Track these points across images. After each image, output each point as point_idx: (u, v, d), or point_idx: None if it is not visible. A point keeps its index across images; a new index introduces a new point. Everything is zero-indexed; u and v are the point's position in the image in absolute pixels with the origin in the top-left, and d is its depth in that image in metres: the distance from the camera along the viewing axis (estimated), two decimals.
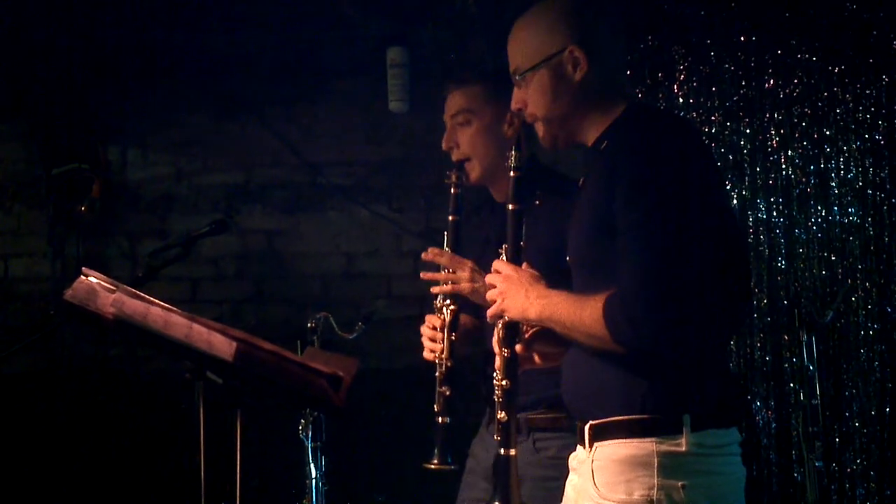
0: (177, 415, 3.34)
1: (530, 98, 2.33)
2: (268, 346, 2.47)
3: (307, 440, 3.48)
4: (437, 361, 2.88)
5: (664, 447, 2.08)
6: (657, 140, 2.14)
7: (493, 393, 2.36)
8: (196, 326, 2.40)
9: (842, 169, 4.50)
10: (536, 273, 2.29)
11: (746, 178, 4.54)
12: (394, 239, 4.94)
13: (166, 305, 2.42)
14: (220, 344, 2.39)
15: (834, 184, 4.50)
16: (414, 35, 4.88)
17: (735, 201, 4.52)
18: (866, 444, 4.39)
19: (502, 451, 2.32)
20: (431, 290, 2.93)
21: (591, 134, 2.31)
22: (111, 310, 2.31)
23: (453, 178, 2.98)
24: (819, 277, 4.47)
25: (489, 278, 2.35)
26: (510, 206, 2.36)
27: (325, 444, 3.51)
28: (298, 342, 3.48)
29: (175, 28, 4.87)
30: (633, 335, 2.04)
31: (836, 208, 4.49)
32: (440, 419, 2.84)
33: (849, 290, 4.41)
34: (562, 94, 2.29)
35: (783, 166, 4.52)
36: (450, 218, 2.98)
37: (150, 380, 4.70)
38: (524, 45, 2.33)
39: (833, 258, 4.47)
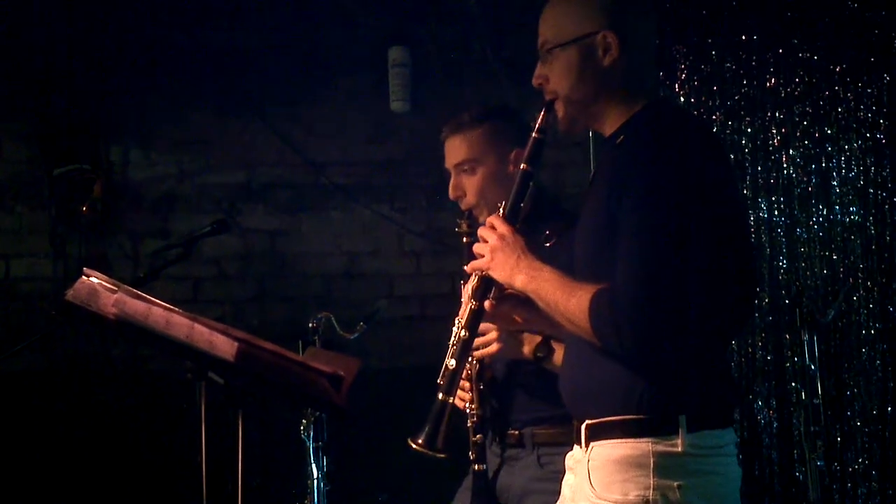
0: (178, 415, 3.35)
1: (554, 75, 2.27)
2: (269, 346, 2.47)
3: (308, 440, 3.48)
4: (467, 412, 2.84)
5: (660, 447, 2.07)
6: (671, 143, 2.10)
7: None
8: (197, 326, 2.40)
9: (843, 168, 4.50)
10: (527, 242, 2.27)
11: (748, 178, 4.54)
12: (396, 239, 4.94)
13: (168, 305, 2.42)
14: (222, 344, 2.39)
15: (835, 183, 4.50)
16: (416, 34, 4.89)
17: None
18: (868, 443, 4.39)
19: (441, 395, 2.32)
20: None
21: (609, 125, 2.27)
22: (112, 310, 2.31)
23: (464, 226, 2.91)
24: (820, 276, 4.47)
25: (482, 231, 2.32)
26: (522, 166, 2.33)
27: (326, 444, 3.50)
28: (300, 342, 3.48)
29: (177, 27, 4.87)
30: (615, 340, 2.03)
31: (837, 207, 4.49)
32: (476, 466, 2.83)
33: (850, 289, 4.42)
34: (587, 77, 2.24)
35: (784, 165, 4.53)
36: (465, 268, 2.95)
37: (151, 380, 4.70)
38: (557, 20, 2.28)
39: (834, 257, 4.47)
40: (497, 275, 2.27)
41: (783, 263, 4.50)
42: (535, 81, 2.33)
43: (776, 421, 4.44)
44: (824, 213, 4.49)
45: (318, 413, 3.45)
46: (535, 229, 2.64)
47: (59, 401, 4.67)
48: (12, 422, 4.63)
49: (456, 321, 2.40)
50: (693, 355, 2.10)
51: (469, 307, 2.36)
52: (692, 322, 2.03)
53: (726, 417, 2.18)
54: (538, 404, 2.79)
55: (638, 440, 2.08)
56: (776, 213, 4.52)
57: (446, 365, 2.35)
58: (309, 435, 3.47)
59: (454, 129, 2.94)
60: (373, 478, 4.46)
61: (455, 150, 2.93)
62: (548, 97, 2.31)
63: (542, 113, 2.31)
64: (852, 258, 4.47)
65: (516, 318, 2.44)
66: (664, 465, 2.07)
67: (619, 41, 2.22)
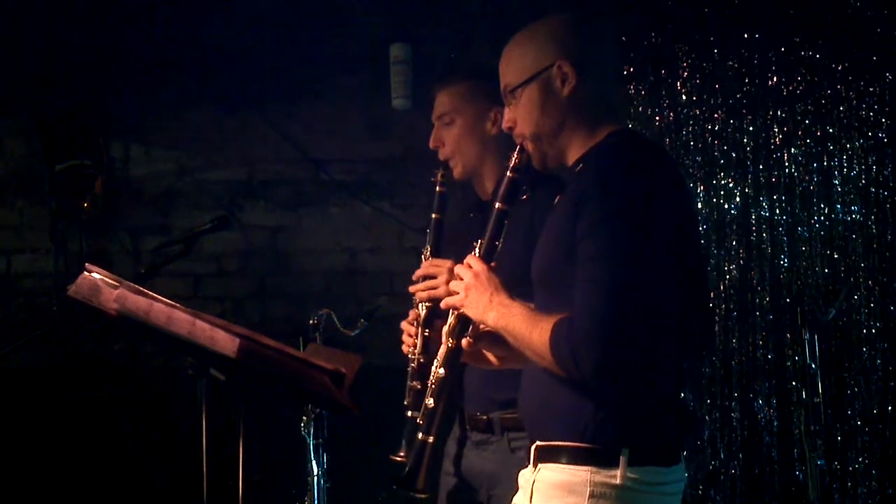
0: (179, 411, 3.35)
1: (519, 115, 2.33)
2: (270, 342, 2.47)
3: (309, 437, 3.48)
4: (410, 356, 2.90)
5: (599, 477, 2.10)
6: (629, 173, 2.13)
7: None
8: (199, 323, 2.40)
9: (845, 167, 4.49)
10: (501, 280, 2.29)
11: (749, 176, 4.53)
12: (396, 235, 4.94)
13: (169, 301, 2.42)
14: (223, 340, 2.39)
15: (837, 181, 4.50)
16: (417, 31, 4.88)
17: (738, 199, 4.52)
18: (868, 442, 4.38)
19: (421, 435, 2.34)
20: (410, 289, 2.95)
21: (574, 154, 2.31)
22: (114, 306, 2.31)
23: (439, 176, 3.06)
24: (821, 275, 4.47)
25: (458, 269, 2.35)
26: (497, 205, 2.36)
27: (326, 441, 3.51)
28: (301, 339, 3.48)
29: (178, 24, 4.87)
30: (573, 367, 2.05)
31: (838, 206, 4.48)
32: (410, 413, 2.86)
33: (851, 288, 4.41)
34: (550, 110, 2.29)
35: (786, 164, 4.52)
36: (433, 216, 3.06)
37: (152, 376, 4.70)
38: (515, 62, 2.35)
39: (836, 256, 4.47)
40: (471, 312, 2.30)
41: (784, 262, 4.50)
42: (504, 126, 2.40)
43: (776, 420, 4.44)
44: (826, 211, 4.49)
45: (318, 410, 3.45)
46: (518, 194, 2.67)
47: (60, 396, 4.68)
48: (13, 417, 4.63)
49: (434, 361, 2.42)
50: (646, 388, 2.13)
51: (447, 346, 2.37)
52: (647, 350, 2.07)
53: (672, 456, 2.19)
54: (503, 387, 2.81)
55: (578, 467, 2.12)
56: (777, 211, 4.51)
57: (425, 405, 2.37)
58: (309, 432, 3.48)
59: (441, 85, 3.09)
60: (373, 475, 4.46)
61: (439, 103, 3.08)
62: (517, 142, 2.36)
63: (517, 152, 2.36)
64: (853, 257, 4.46)
65: (491, 356, 2.45)
66: (600, 495, 2.10)
67: (574, 69, 2.27)
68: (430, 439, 2.34)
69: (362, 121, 4.98)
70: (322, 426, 3.51)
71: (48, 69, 4.82)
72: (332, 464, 3.53)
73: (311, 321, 3.52)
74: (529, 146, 2.34)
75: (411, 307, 3.01)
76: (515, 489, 2.46)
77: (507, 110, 2.37)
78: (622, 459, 2.09)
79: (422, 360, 2.88)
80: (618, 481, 2.09)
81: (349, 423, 3.83)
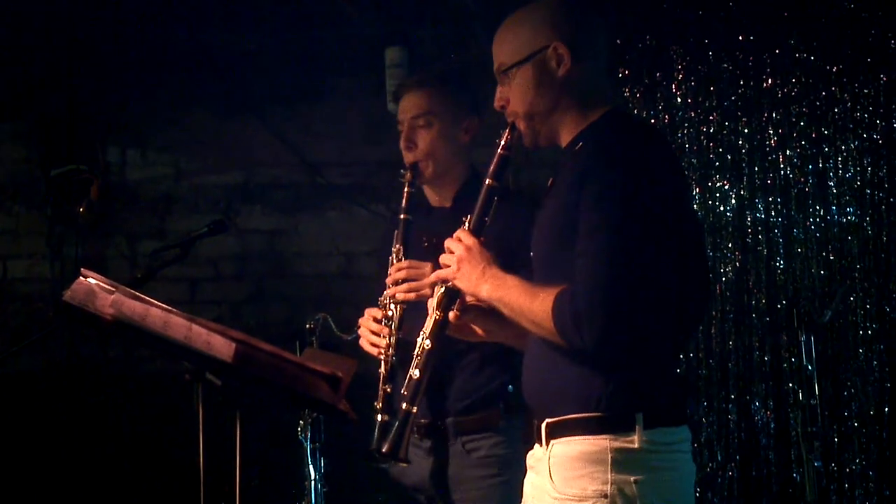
0: (176, 416, 3.34)
1: (513, 94, 2.36)
2: (267, 346, 2.47)
3: (306, 441, 3.48)
4: (381, 358, 2.90)
5: (617, 444, 2.14)
6: (629, 149, 2.19)
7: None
8: (195, 327, 2.40)
9: (840, 168, 4.50)
10: (492, 255, 2.32)
11: (745, 178, 4.54)
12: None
13: (165, 306, 2.42)
14: (220, 345, 2.39)
15: (832, 183, 4.50)
16: (413, 35, 4.88)
17: (733, 201, 4.53)
18: (865, 444, 4.39)
19: (404, 405, 2.40)
20: (396, 296, 2.93)
21: (567, 134, 2.35)
22: (110, 311, 2.31)
23: (408, 176, 3.01)
24: (817, 277, 4.47)
25: (448, 243, 2.38)
26: (487, 181, 2.39)
27: (323, 445, 3.51)
28: (297, 343, 3.48)
29: (174, 27, 4.87)
30: (577, 336, 2.09)
31: (834, 208, 4.49)
32: (379, 417, 2.86)
33: (847, 289, 4.41)
34: (544, 90, 2.33)
35: (781, 166, 4.53)
36: (401, 217, 3.03)
37: (149, 381, 4.70)
38: (509, 42, 2.38)
39: (831, 258, 4.47)
40: (463, 285, 2.33)
41: (780, 264, 4.50)
42: (496, 104, 2.43)
43: (773, 421, 4.44)
44: (821, 213, 4.49)
45: (315, 414, 3.45)
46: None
47: (56, 402, 4.67)
48: (10, 423, 4.63)
49: (421, 333, 2.43)
50: (649, 355, 2.18)
51: (434, 318, 2.40)
52: (649, 319, 2.11)
53: (680, 415, 2.26)
54: (458, 395, 2.89)
55: (596, 437, 2.16)
56: (773, 213, 4.52)
57: (410, 375, 2.41)
58: (306, 436, 3.47)
59: (417, 84, 3.06)
60: (370, 479, 4.46)
61: (415, 102, 3.03)
62: (509, 119, 2.40)
63: (508, 130, 2.40)
64: (849, 258, 4.46)
65: (479, 329, 2.48)
66: (621, 461, 2.14)
67: (569, 51, 2.31)
68: (414, 410, 2.40)
69: (359, 124, 4.98)
70: (319, 430, 3.50)
71: (45, 73, 4.82)
72: (329, 468, 3.53)
73: (307, 325, 3.52)
74: (521, 125, 2.38)
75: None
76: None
77: (499, 89, 2.40)
78: (638, 424, 2.14)
79: (394, 363, 2.88)
80: (636, 445, 2.14)
81: (346, 426, 3.83)
